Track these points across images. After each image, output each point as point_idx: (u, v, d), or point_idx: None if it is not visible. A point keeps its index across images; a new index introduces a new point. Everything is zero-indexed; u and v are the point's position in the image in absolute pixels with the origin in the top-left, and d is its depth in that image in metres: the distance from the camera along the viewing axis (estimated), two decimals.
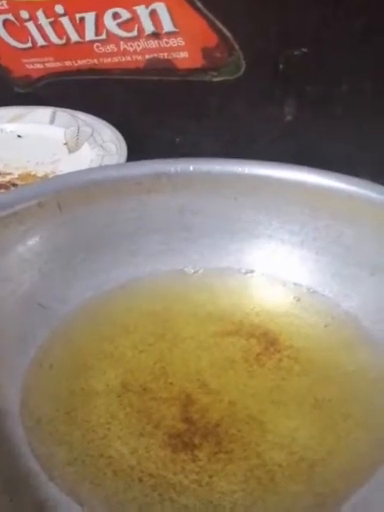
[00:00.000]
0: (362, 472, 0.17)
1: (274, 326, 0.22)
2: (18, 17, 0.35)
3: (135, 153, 0.33)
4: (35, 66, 0.38)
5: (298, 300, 0.23)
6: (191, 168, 0.23)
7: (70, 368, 0.21)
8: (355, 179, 0.22)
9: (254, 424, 0.19)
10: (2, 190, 0.31)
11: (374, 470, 0.17)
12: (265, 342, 0.22)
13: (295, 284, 0.23)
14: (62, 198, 0.22)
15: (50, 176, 0.33)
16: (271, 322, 0.22)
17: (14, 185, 0.32)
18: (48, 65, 0.38)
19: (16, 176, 0.33)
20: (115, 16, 0.32)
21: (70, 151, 0.35)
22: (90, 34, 0.34)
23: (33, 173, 0.33)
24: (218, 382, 0.20)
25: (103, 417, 0.19)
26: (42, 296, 0.22)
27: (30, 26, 0.35)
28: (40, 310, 0.21)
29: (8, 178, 0.32)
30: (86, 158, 0.33)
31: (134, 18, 0.32)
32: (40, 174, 0.33)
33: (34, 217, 0.21)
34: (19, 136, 0.37)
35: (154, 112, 0.36)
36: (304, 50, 0.30)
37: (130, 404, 0.20)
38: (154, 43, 0.33)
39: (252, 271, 0.24)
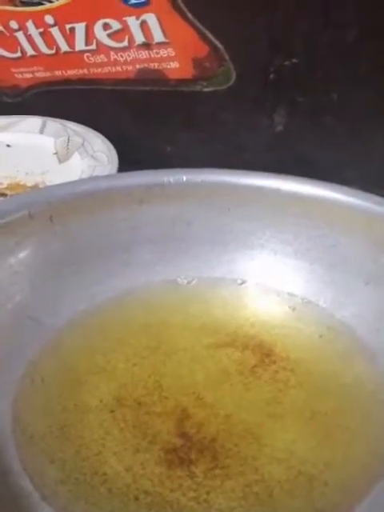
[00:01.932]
0: (361, 486, 0.17)
1: (269, 337, 0.22)
2: (7, 27, 0.35)
3: (126, 163, 0.32)
4: (24, 75, 0.38)
5: (293, 310, 0.23)
6: (184, 178, 0.22)
7: (62, 383, 0.20)
8: (349, 189, 0.22)
9: (251, 438, 0.19)
10: None
11: (374, 484, 0.17)
12: (260, 353, 0.21)
13: (289, 294, 0.23)
14: (54, 208, 0.21)
15: (40, 186, 0.33)
16: (266, 333, 0.22)
17: (3, 195, 0.32)
18: (37, 74, 0.37)
19: (5, 186, 0.33)
20: (105, 27, 0.32)
21: (61, 161, 0.34)
22: (80, 44, 0.34)
23: (22, 183, 0.33)
24: (214, 396, 0.20)
25: (97, 433, 0.19)
26: (33, 309, 0.21)
27: (20, 36, 0.35)
28: (31, 323, 0.21)
29: None
30: (76, 168, 0.33)
31: (125, 29, 0.32)
32: (30, 184, 0.33)
33: (25, 228, 0.21)
34: (8, 145, 0.36)
35: (145, 122, 0.36)
36: (294, 60, 0.30)
37: (125, 419, 0.19)
38: (144, 53, 0.33)
39: (246, 281, 0.24)
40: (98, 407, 0.19)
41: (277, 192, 0.22)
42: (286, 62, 0.30)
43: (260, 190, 0.23)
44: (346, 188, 0.22)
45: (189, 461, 0.18)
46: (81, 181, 0.24)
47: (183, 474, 0.18)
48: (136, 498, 0.17)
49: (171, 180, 0.22)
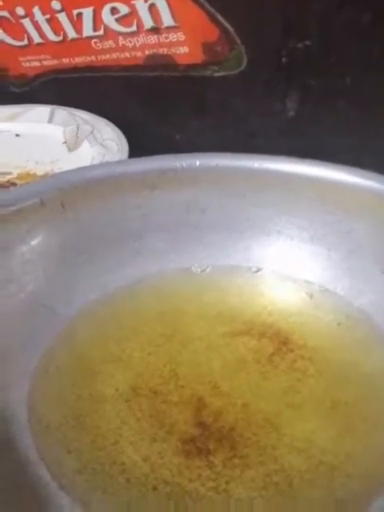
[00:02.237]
0: (382, 477, 0.17)
1: (286, 324, 0.22)
2: (13, 14, 0.34)
3: (136, 150, 0.32)
4: (32, 63, 0.37)
5: (310, 298, 0.23)
6: (198, 163, 0.22)
7: (77, 372, 0.20)
8: (366, 172, 0.22)
9: (270, 427, 0.18)
10: (3, 190, 0.30)
11: None
12: (277, 341, 0.21)
13: (306, 281, 0.23)
14: (66, 195, 0.21)
15: (50, 175, 0.32)
16: (283, 320, 0.22)
17: (14, 184, 0.31)
18: (45, 62, 0.37)
19: (15, 175, 0.32)
20: (113, 11, 0.32)
21: (70, 150, 0.34)
22: (87, 30, 0.33)
23: (32, 172, 0.32)
24: (230, 385, 0.20)
25: (113, 422, 0.18)
26: (47, 297, 0.21)
27: (26, 23, 0.34)
28: (45, 311, 0.21)
29: (7, 177, 0.32)
30: (86, 157, 0.32)
31: (133, 13, 0.31)
32: (39, 173, 0.32)
33: (36, 215, 0.21)
34: (17, 135, 0.36)
35: (154, 109, 0.35)
36: (307, 42, 0.29)
37: (141, 408, 0.19)
38: (153, 38, 0.32)
39: (261, 269, 0.23)
40: (113, 396, 0.19)
41: (293, 176, 0.22)
42: (299, 45, 0.29)
43: (276, 174, 0.22)
44: (361, 171, 0.22)
45: (207, 450, 0.18)
46: (92, 167, 0.24)
47: (202, 463, 0.17)
48: (154, 488, 0.17)
49: (184, 165, 0.22)
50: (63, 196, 0.21)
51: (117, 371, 0.20)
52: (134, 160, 0.24)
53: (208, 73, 0.32)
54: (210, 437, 0.18)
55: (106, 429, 0.18)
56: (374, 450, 0.18)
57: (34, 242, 0.21)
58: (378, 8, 0.28)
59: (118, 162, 0.26)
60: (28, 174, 0.32)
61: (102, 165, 0.26)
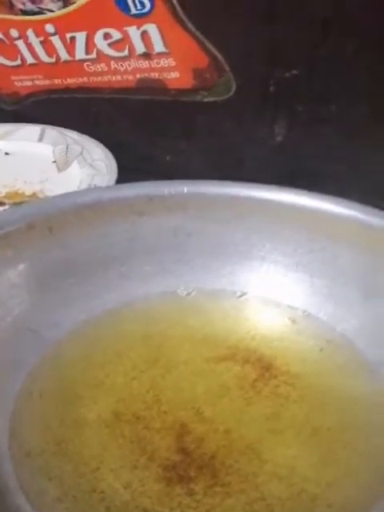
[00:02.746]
0: (363, 504, 0.17)
1: (269, 350, 0.22)
2: (7, 35, 0.35)
3: (125, 172, 0.32)
4: (24, 83, 0.38)
5: (293, 323, 0.23)
6: (185, 190, 0.22)
7: (60, 397, 0.20)
8: (349, 202, 0.22)
9: (252, 454, 0.18)
10: None
11: (375, 504, 0.16)
12: (260, 367, 0.21)
13: (290, 306, 0.23)
14: (54, 220, 0.21)
15: (39, 195, 0.33)
16: (266, 346, 0.22)
17: (2, 203, 0.31)
18: (37, 82, 0.37)
19: (3, 194, 0.32)
20: (106, 36, 0.32)
21: (59, 170, 0.34)
22: (80, 53, 0.34)
23: (21, 191, 0.33)
24: (213, 410, 0.20)
25: (95, 448, 0.18)
26: (32, 321, 0.21)
27: (20, 44, 0.35)
28: (30, 335, 0.21)
29: None
30: (75, 177, 0.32)
31: (125, 39, 0.32)
32: (28, 193, 0.32)
33: (23, 240, 0.21)
34: (7, 153, 0.36)
35: (145, 131, 0.35)
36: (294, 71, 0.30)
37: (123, 434, 0.19)
38: (144, 63, 0.33)
39: (246, 293, 0.24)
40: (95, 422, 0.19)
41: (277, 204, 0.22)
42: (286, 74, 0.30)
43: (261, 203, 0.22)
44: (345, 201, 0.22)
45: (188, 478, 0.18)
46: (81, 192, 0.24)
47: (182, 491, 0.17)
48: None
49: (172, 191, 0.22)
50: (51, 221, 0.21)
51: (100, 396, 0.20)
52: (122, 186, 0.24)
53: (198, 98, 0.33)
54: (191, 464, 0.18)
55: (87, 455, 0.18)
56: (355, 478, 0.18)
57: (20, 266, 0.21)
58: (363, 38, 0.29)
59: (107, 188, 0.27)
60: (16, 194, 0.32)
61: (90, 190, 0.26)
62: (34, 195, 0.32)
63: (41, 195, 0.32)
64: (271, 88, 0.31)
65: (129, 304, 0.23)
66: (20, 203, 0.31)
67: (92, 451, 0.18)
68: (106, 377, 0.21)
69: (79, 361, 0.21)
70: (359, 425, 0.20)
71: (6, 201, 0.32)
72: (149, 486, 0.17)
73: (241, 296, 0.24)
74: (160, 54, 0.32)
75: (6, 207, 0.31)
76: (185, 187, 0.22)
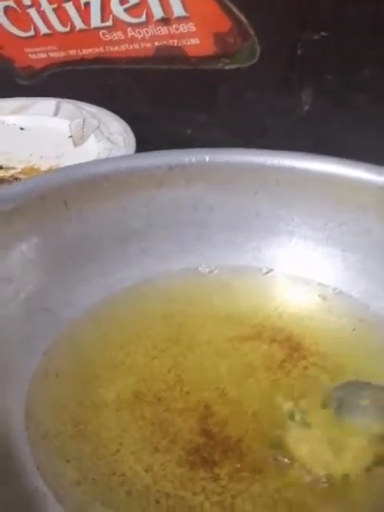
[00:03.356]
0: None
1: (298, 329, 0.21)
2: (19, 3, 0.33)
3: (144, 145, 0.31)
4: (38, 55, 0.37)
5: (324, 301, 0.21)
6: (207, 158, 0.21)
7: (77, 377, 0.19)
8: (382, 168, 0.20)
9: (280, 439, 0.17)
10: (5, 185, 0.29)
11: None
12: (288, 347, 0.20)
13: (319, 284, 0.22)
14: (68, 192, 0.20)
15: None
16: (295, 325, 0.21)
17: (17, 179, 0.31)
18: (51, 54, 0.36)
19: (19, 170, 0.31)
20: (122, 1, 0.31)
21: (76, 144, 0.33)
22: (95, 21, 0.32)
23: (36, 167, 0.32)
24: (239, 391, 0.19)
25: (114, 430, 0.17)
26: (47, 299, 0.20)
27: (33, 12, 0.33)
28: (45, 313, 0.20)
29: (11, 172, 0.31)
30: (92, 152, 0.31)
31: (143, 3, 0.30)
32: (44, 168, 0.32)
33: (37, 212, 0.20)
34: (22, 128, 0.35)
35: (164, 103, 0.34)
36: (323, 33, 0.28)
37: (143, 416, 0.18)
38: (163, 29, 0.31)
39: (272, 270, 0.22)
40: (115, 403, 0.18)
41: (308, 173, 0.21)
42: (315, 37, 0.28)
43: (289, 171, 0.21)
44: (379, 168, 0.21)
45: (212, 462, 0.17)
46: (96, 162, 0.23)
47: (206, 475, 0.16)
48: (157, 502, 0.16)
49: (193, 160, 0.21)
50: (66, 193, 0.20)
51: (119, 376, 0.19)
52: (140, 155, 0.23)
53: (219, 65, 0.31)
54: (215, 447, 0.17)
55: (106, 437, 0.17)
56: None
57: (34, 241, 0.20)
58: None
59: (124, 157, 0.25)
60: (32, 169, 0.31)
61: (106, 160, 0.25)
62: (49, 171, 0.31)
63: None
64: (298, 52, 0.29)
65: (148, 281, 0.22)
66: None
67: (111, 433, 0.17)
68: (126, 356, 0.20)
69: (97, 340, 0.20)
70: None
71: (21, 176, 0.31)
72: (171, 470, 0.17)
73: (267, 273, 0.22)
74: (179, 19, 0.30)
75: None
76: (207, 156, 0.21)
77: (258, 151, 0.21)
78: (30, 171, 0.31)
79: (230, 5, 0.28)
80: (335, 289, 0.21)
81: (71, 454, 0.17)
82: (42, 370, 0.19)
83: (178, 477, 0.16)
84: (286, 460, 0.17)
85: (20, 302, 0.19)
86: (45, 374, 0.19)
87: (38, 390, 0.18)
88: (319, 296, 0.21)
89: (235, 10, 0.29)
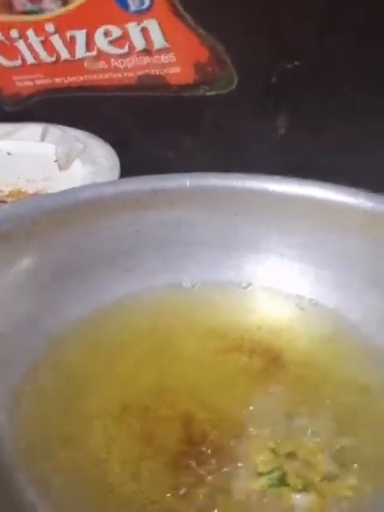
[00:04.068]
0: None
1: (277, 340, 0.22)
2: (7, 36, 0.35)
3: (128, 169, 0.32)
4: (25, 83, 0.38)
5: (300, 313, 0.23)
6: (188, 183, 0.22)
7: (65, 389, 0.20)
8: (356, 191, 0.22)
9: (261, 444, 0.18)
10: None
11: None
12: (268, 358, 0.21)
13: (297, 296, 0.23)
14: (57, 216, 0.21)
15: (41, 193, 0.33)
16: (273, 336, 0.22)
17: (4, 202, 0.31)
18: (38, 82, 0.37)
19: (6, 193, 0.32)
20: (106, 34, 0.32)
21: (61, 168, 0.34)
22: (80, 52, 0.34)
23: (23, 190, 0.33)
24: (221, 402, 0.19)
25: (102, 440, 0.18)
26: (37, 315, 0.21)
27: (20, 44, 0.35)
28: (34, 329, 0.20)
29: None
30: (77, 175, 0.32)
31: (125, 36, 0.32)
32: (31, 191, 0.32)
33: (25, 237, 0.21)
34: (9, 153, 0.36)
35: (147, 128, 0.35)
36: (296, 63, 0.30)
37: (130, 426, 0.19)
38: (145, 59, 0.33)
39: (252, 284, 0.23)
40: (102, 414, 0.19)
41: (284, 195, 0.22)
42: (288, 66, 0.30)
43: (266, 194, 0.22)
44: (352, 190, 0.22)
45: (196, 468, 0.18)
46: (84, 187, 0.24)
47: (191, 481, 0.17)
48: (143, 508, 0.16)
49: (175, 185, 0.22)
50: (55, 217, 0.21)
51: (106, 388, 0.20)
52: (126, 180, 0.24)
53: (200, 92, 0.33)
54: (199, 454, 0.18)
55: (93, 446, 0.18)
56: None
57: (23, 263, 0.21)
58: (367, 30, 0.29)
59: (111, 183, 0.27)
60: (19, 192, 0.32)
61: (93, 185, 0.26)
62: (36, 194, 0.32)
63: (43, 194, 0.32)
64: (273, 80, 0.31)
65: (134, 297, 0.23)
66: None
67: (99, 442, 0.18)
68: (112, 369, 0.21)
69: (84, 354, 0.21)
70: (370, 413, 0.19)
71: (8, 199, 0.32)
72: (156, 477, 0.17)
73: (246, 287, 0.23)
74: (160, 50, 0.32)
75: None
76: (187, 180, 0.22)
77: (236, 175, 0.22)
78: (18, 194, 0.32)
79: (208, 37, 0.30)
80: (311, 301, 0.23)
81: (59, 463, 0.17)
82: (32, 382, 0.19)
83: (164, 483, 0.17)
84: (267, 466, 0.18)
85: (12, 320, 0.20)
86: (34, 386, 0.19)
87: (28, 401, 0.19)
88: (296, 308, 0.23)
89: (213, 41, 0.30)
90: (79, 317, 0.22)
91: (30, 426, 0.18)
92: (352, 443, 0.18)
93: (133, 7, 0.31)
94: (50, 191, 0.32)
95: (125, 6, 0.31)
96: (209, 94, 0.32)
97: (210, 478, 0.17)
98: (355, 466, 0.18)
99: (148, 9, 0.30)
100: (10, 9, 0.33)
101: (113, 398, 0.19)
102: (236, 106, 0.32)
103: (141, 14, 0.31)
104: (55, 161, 0.35)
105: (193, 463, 0.17)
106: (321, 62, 0.29)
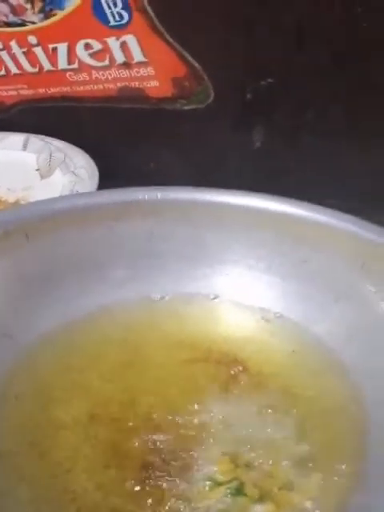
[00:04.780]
0: None
1: (243, 352, 0.22)
2: None
3: (108, 179, 0.33)
4: (9, 93, 0.38)
5: (266, 325, 0.23)
6: (159, 196, 0.23)
7: (35, 399, 0.20)
8: (318, 207, 0.23)
9: (226, 454, 0.19)
10: None
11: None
12: (234, 368, 0.22)
13: (262, 309, 0.24)
14: (29, 226, 0.22)
15: (22, 202, 0.33)
16: (239, 348, 0.22)
17: None
18: (21, 92, 0.38)
19: None
20: (87, 47, 0.33)
21: (42, 177, 0.35)
22: (62, 63, 0.35)
23: (4, 199, 0.33)
24: (189, 412, 0.20)
25: (68, 450, 0.19)
26: (8, 326, 0.21)
27: (4, 55, 0.35)
28: (5, 339, 0.21)
29: None
30: (57, 184, 0.33)
31: (105, 49, 0.33)
32: (11, 200, 0.33)
33: (1, 245, 0.21)
34: None
35: (127, 139, 0.36)
36: (269, 80, 0.31)
37: (97, 436, 0.19)
38: (125, 72, 0.33)
39: (219, 296, 0.24)
40: (70, 424, 0.19)
41: (249, 210, 0.23)
42: (262, 82, 0.31)
43: (233, 208, 0.23)
44: (315, 206, 0.23)
45: (161, 478, 0.18)
46: (57, 198, 0.24)
47: (155, 491, 0.18)
48: None
49: (146, 197, 0.23)
50: (27, 227, 0.22)
51: (75, 399, 0.20)
52: (98, 192, 0.25)
53: (178, 106, 0.34)
54: (164, 464, 0.18)
55: (60, 456, 0.18)
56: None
57: None
58: (336, 49, 0.30)
59: (83, 194, 0.27)
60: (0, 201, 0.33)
61: (67, 197, 0.27)
62: (16, 202, 0.33)
63: (23, 202, 0.33)
64: (248, 96, 0.31)
65: (104, 308, 0.23)
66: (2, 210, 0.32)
67: (65, 452, 0.19)
68: (83, 379, 0.21)
69: (55, 364, 0.21)
70: (330, 425, 0.20)
71: None
72: (120, 486, 0.18)
73: (214, 299, 0.24)
74: (139, 64, 0.33)
75: None
76: (158, 193, 0.23)
77: (205, 189, 0.23)
78: None
79: (186, 53, 0.31)
80: (276, 313, 0.23)
81: (27, 472, 0.18)
82: (2, 392, 0.20)
83: (128, 492, 0.18)
84: (226, 475, 0.18)
85: None
86: (4, 396, 0.20)
87: None
88: (261, 320, 0.23)
89: (190, 58, 0.31)
90: (51, 326, 0.22)
91: (0, 435, 0.19)
92: (312, 453, 0.19)
93: (112, 22, 0.31)
94: (30, 200, 0.33)
95: (105, 21, 0.31)
96: (187, 107, 0.33)
97: (172, 487, 0.18)
98: (314, 476, 0.18)
99: (126, 24, 0.31)
100: None
101: (82, 408, 0.20)
102: (213, 119, 0.33)
103: (120, 29, 0.31)
104: (37, 169, 0.35)
105: (156, 473, 0.18)
106: (292, 78, 0.30)
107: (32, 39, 0.34)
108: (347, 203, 0.25)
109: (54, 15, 0.32)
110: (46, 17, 0.33)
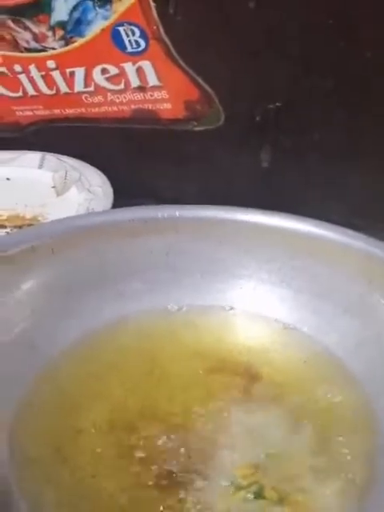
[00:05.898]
0: None
1: (256, 362, 0.23)
2: (11, 69, 0.37)
3: (121, 197, 0.34)
4: (25, 113, 0.40)
5: (279, 336, 0.24)
6: (177, 214, 0.24)
7: (58, 407, 0.21)
8: (326, 224, 0.24)
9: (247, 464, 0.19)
10: None
11: None
12: (248, 378, 0.23)
13: (275, 320, 0.25)
14: (55, 242, 0.23)
15: (39, 218, 0.34)
16: (253, 358, 0.23)
17: (3, 226, 0.33)
18: (37, 112, 0.39)
19: (5, 217, 0.34)
20: (104, 71, 0.35)
21: (58, 194, 0.36)
22: (79, 86, 0.36)
23: (21, 215, 0.34)
24: (206, 420, 0.21)
25: (92, 455, 0.19)
26: (33, 337, 0.22)
27: (22, 77, 0.37)
28: (31, 350, 0.22)
29: None
30: (73, 202, 0.34)
31: (121, 74, 0.34)
32: (28, 216, 0.34)
33: (28, 260, 0.22)
34: (8, 179, 0.38)
35: (139, 158, 0.37)
36: (278, 104, 0.33)
37: (119, 442, 0.20)
38: (139, 95, 0.35)
39: (234, 308, 0.25)
40: (92, 430, 0.20)
41: (261, 226, 0.24)
42: (270, 106, 0.33)
43: (246, 225, 0.24)
44: (323, 223, 0.24)
45: (182, 483, 0.19)
46: (81, 216, 0.26)
47: (175, 499, 0.18)
48: None
49: (165, 215, 0.24)
50: (53, 243, 0.23)
51: (97, 406, 0.21)
52: (119, 210, 0.26)
53: (189, 127, 0.35)
54: (184, 471, 0.19)
55: (84, 462, 0.19)
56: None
57: (25, 286, 0.22)
58: (340, 75, 0.32)
59: (105, 212, 0.28)
60: (17, 217, 0.34)
61: (87, 214, 0.28)
62: (34, 219, 0.34)
63: (41, 219, 0.34)
64: (257, 118, 0.33)
65: (124, 320, 0.24)
66: (20, 226, 0.33)
67: (89, 458, 0.19)
68: (103, 388, 0.22)
69: (76, 373, 0.22)
70: (343, 430, 0.21)
71: (7, 224, 0.33)
72: (144, 492, 0.18)
73: (229, 310, 0.25)
74: (153, 88, 0.34)
75: (8, 230, 0.33)
76: (177, 211, 0.24)
77: (220, 207, 0.24)
78: (15, 219, 0.34)
79: (198, 78, 0.33)
80: (289, 325, 0.24)
81: (52, 477, 0.19)
82: (26, 400, 0.21)
83: (152, 499, 0.18)
84: (246, 480, 0.19)
85: (8, 341, 0.21)
86: (29, 404, 0.21)
87: (23, 419, 0.20)
88: (274, 332, 0.24)
89: (202, 82, 0.33)
90: (73, 338, 0.23)
91: (26, 442, 0.20)
92: (327, 459, 0.20)
93: (129, 49, 0.33)
94: (47, 216, 0.34)
95: (122, 47, 0.33)
96: (197, 129, 0.35)
97: (194, 491, 0.18)
98: (328, 483, 0.19)
99: (143, 51, 0.33)
100: (15, 46, 0.35)
101: (103, 416, 0.21)
102: (223, 140, 0.35)
103: (136, 55, 0.33)
104: (53, 187, 0.37)
105: (178, 478, 0.19)
106: (298, 102, 0.32)
107: (51, 64, 0.36)
108: (350, 220, 0.26)
109: (73, 42, 0.34)
110: (66, 44, 0.34)
